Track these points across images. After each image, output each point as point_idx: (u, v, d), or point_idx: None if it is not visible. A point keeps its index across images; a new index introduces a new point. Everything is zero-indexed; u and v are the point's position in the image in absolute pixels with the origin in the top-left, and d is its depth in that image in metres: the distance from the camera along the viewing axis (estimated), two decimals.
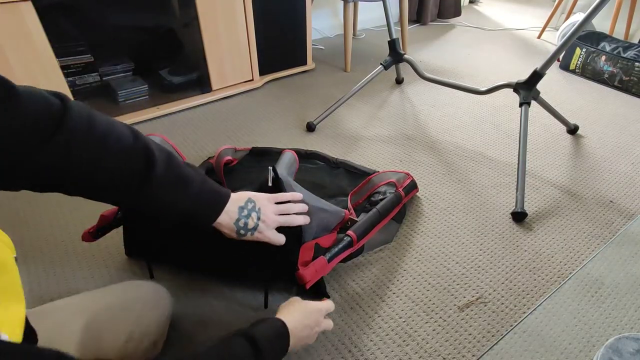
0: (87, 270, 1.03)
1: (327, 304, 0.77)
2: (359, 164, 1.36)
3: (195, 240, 0.91)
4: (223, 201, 0.67)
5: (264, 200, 0.73)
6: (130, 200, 0.57)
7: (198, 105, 1.81)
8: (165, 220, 0.88)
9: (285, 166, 0.97)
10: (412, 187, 1.23)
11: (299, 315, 0.70)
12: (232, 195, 0.69)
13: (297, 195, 0.80)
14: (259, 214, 0.71)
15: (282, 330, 0.65)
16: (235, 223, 0.68)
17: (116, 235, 1.05)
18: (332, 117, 1.69)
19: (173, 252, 0.98)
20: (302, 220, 0.79)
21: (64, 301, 0.71)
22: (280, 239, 0.74)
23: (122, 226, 0.98)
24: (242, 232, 0.69)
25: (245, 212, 0.69)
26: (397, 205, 1.13)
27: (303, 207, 0.80)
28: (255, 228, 0.70)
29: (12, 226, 1.16)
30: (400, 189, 1.16)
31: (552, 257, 1.07)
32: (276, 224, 0.73)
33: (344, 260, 0.99)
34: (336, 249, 0.92)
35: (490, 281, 1.01)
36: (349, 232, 0.97)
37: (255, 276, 0.97)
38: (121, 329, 0.68)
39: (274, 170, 0.82)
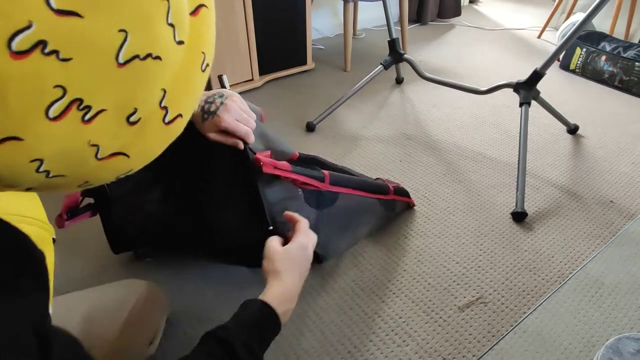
0: (84, 269, 1.03)
1: (299, 236, 0.67)
2: (359, 170, 1.35)
3: (181, 220, 0.91)
4: None
5: (234, 96, 0.76)
6: None
7: None
8: None
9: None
10: (404, 193, 1.19)
11: (286, 273, 0.64)
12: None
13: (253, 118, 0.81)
14: (223, 100, 0.74)
15: (264, 315, 0.59)
16: (201, 107, 0.73)
17: None
18: (332, 117, 1.68)
19: (158, 235, 0.96)
20: (252, 137, 0.78)
21: (58, 299, 0.71)
22: (240, 129, 0.74)
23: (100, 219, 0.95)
24: (205, 115, 0.73)
25: (212, 99, 0.74)
26: (381, 192, 1.09)
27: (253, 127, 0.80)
28: (215, 111, 0.73)
29: None
30: (389, 184, 1.14)
31: (552, 257, 1.07)
32: (238, 115, 0.75)
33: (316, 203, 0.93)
34: (305, 171, 0.89)
35: (491, 281, 1.01)
36: (324, 170, 0.94)
37: (241, 258, 0.96)
38: (115, 327, 0.68)
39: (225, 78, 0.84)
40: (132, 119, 0.25)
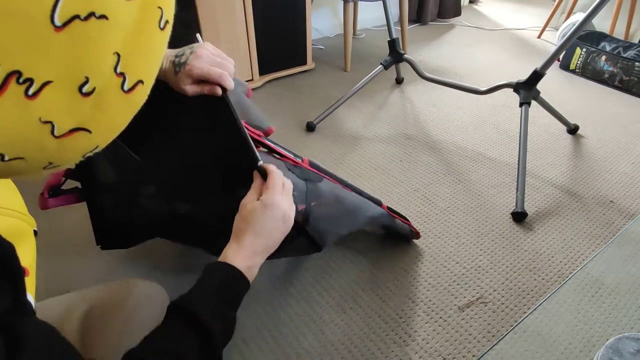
0: (82, 269, 1.03)
1: (266, 193, 0.62)
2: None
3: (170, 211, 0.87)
4: None
5: (205, 44, 0.72)
6: None
7: None
8: None
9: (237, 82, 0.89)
10: (403, 217, 1.08)
11: (244, 233, 0.60)
12: None
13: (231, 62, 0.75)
14: (193, 49, 0.71)
15: (228, 275, 0.56)
16: (172, 60, 0.69)
17: None
18: (332, 117, 1.68)
19: (149, 227, 0.91)
20: (229, 80, 0.73)
21: (57, 299, 0.71)
22: (214, 72, 0.70)
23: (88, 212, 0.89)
24: (177, 68, 0.70)
25: (181, 52, 0.71)
26: (371, 199, 1.00)
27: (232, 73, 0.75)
28: (186, 62, 0.69)
29: None
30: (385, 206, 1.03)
31: (552, 257, 1.07)
32: (211, 60, 0.71)
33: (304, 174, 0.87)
34: (281, 146, 0.85)
35: (491, 281, 1.01)
36: (304, 157, 0.90)
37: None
38: (115, 327, 0.67)
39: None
40: (85, 89, 0.23)
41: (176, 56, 0.70)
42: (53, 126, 0.23)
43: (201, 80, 0.71)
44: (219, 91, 0.72)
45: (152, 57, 0.27)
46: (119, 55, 0.23)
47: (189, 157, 0.86)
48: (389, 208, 1.03)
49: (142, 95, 0.27)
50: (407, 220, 1.07)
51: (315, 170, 0.90)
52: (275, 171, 0.65)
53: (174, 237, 0.96)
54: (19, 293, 0.31)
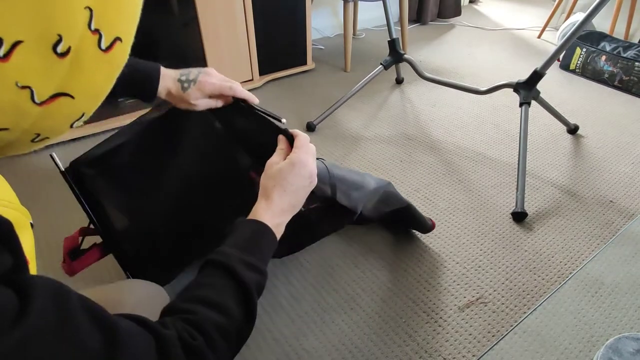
0: (83, 269, 1.03)
1: (295, 152, 0.62)
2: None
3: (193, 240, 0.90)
4: (155, 67, 0.70)
5: (208, 68, 0.75)
6: None
7: None
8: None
9: None
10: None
11: (272, 190, 0.59)
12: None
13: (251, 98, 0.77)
14: (200, 70, 0.73)
15: (256, 230, 0.56)
16: (178, 79, 0.71)
17: None
18: (332, 117, 1.68)
19: (171, 255, 0.94)
20: (240, 89, 0.75)
21: None
22: (225, 85, 0.72)
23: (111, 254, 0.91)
24: (185, 85, 0.72)
25: (186, 71, 0.73)
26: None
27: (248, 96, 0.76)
28: (195, 80, 0.72)
29: None
30: None
31: (552, 257, 1.07)
32: (220, 78, 0.74)
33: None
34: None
35: (491, 281, 1.01)
36: None
37: None
38: None
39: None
40: (59, 49, 0.22)
41: (182, 74, 0.73)
42: (32, 92, 0.22)
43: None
44: (230, 99, 0.75)
45: (127, 13, 0.26)
46: (91, 10, 0.22)
47: (188, 177, 0.89)
48: None
49: (121, 54, 0.26)
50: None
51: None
52: (301, 133, 0.65)
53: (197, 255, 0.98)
54: (20, 259, 0.30)
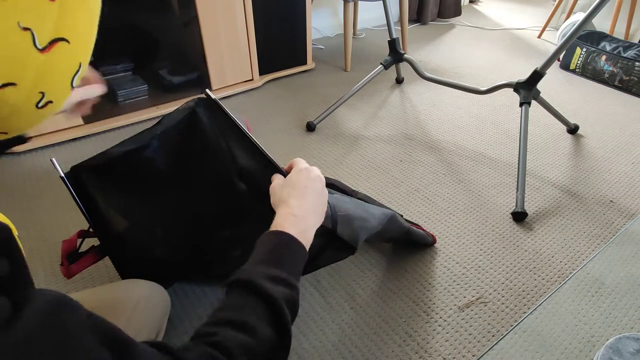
0: (84, 270, 1.03)
1: (295, 166, 0.62)
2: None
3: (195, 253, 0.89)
4: None
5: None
6: None
7: None
8: None
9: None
10: (414, 224, 1.10)
11: (289, 197, 0.58)
12: None
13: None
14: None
15: (279, 241, 0.54)
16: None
17: None
18: (332, 116, 1.69)
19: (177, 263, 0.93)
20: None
21: None
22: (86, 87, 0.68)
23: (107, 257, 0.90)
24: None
25: None
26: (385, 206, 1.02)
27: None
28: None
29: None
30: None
31: (552, 257, 1.07)
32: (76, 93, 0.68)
33: None
34: None
35: (491, 281, 1.01)
36: None
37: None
38: None
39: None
40: None
41: None
42: (34, 35, 0.24)
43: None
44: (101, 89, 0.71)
45: None
46: None
47: (187, 187, 0.88)
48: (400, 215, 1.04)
49: None
50: (419, 225, 1.09)
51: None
52: (296, 159, 0.65)
53: (201, 271, 0.97)
54: (19, 265, 0.31)
